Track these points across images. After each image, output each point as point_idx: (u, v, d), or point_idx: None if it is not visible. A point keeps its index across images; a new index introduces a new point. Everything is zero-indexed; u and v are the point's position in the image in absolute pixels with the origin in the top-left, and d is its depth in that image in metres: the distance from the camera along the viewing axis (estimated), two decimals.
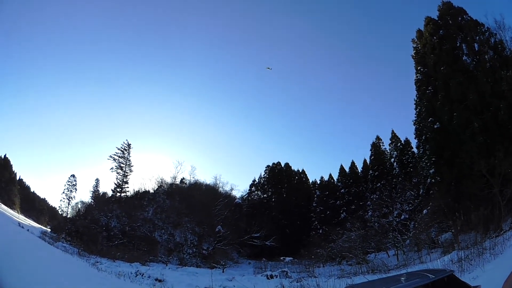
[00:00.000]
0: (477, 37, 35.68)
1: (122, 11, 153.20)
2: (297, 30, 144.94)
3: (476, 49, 35.62)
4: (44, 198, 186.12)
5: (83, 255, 39.84)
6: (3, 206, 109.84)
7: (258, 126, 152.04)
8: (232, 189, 65.15)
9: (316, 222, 54.58)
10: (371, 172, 52.98)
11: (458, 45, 36.35)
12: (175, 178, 69.51)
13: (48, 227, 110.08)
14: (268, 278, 25.50)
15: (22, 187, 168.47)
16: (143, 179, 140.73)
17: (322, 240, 44.93)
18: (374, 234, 37.05)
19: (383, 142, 54.91)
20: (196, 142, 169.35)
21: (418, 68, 38.52)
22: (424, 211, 35.14)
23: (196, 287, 21.24)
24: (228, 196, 61.84)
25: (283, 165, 65.04)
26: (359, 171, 56.95)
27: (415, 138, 39.77)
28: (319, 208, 55.38)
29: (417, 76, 38.63)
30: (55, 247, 40.94)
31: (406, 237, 33.35)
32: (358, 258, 32.38)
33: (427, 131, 35.46)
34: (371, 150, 55.07)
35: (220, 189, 65.19)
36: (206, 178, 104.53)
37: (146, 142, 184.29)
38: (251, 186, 66.00)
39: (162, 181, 68.39)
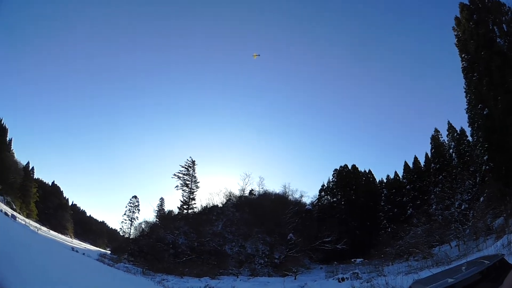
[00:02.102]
0: (503, 18, 36.76)
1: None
2: (348, 29, 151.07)
3: (505, 30, 36.49)
4: (103, 221, 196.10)
5: (147, 274, 43.90)
6: (52, 232, 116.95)
7: (325, 130, 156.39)
8: (301, 196, 67.68)
9: (384, 221, 56.16)
10: (432, 165, 53.86)
11: (491, 28, 37.25)
12: (243, 190, 72.77)
13: (108, 249, 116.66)
14: (339, 281, 26.71)
15: (76, 211, 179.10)
16: (210, 194, 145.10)
17: (390, 238, 46.20)
18: (438, 227, 37.95)
19: (441, 134, 55.58)
20: (264, 152, 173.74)
21: (462, 55, 39.74)
22: (481, 199, 36.11)
23: None
24: (298, 203, 64.44)
25: (350, 167, 66.49)
26: (422, 166, 57.70)
27: (468, 127, 40.91)
28: (386, 206, 56.90)
29: (462, 64, 39.71)
30: (115, 268, 43.70)
31: (466, 226, 34.10)
32: (424, 252, 33.31)
33: (478, 118, 36.46)
34: (431, 143, 55.91)
35: (290, 197, 67.43)
36: (275, 187, 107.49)
37: (211, 157, 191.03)
38: (320, 191, 67.54)
39: (230, 194, 71.95)
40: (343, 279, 26.84)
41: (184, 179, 74.47)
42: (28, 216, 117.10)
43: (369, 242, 49.61)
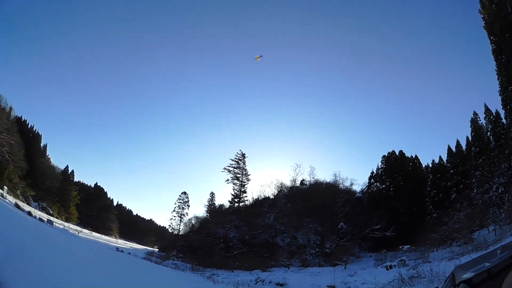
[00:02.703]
0: None
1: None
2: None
3: None
4: (151, 219, 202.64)
5: (197, 270, 45.26)
6: (95, 234, 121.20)
7: (373, 116, 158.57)
8: (352, 184, 69.08)
9: (430, 207, 56.60)
10: (473, 148, 53.79)
11: (509, 10, 37.36)
12: (294, 180, 75.29)
13: (156, 247, 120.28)
14: (387, 269, 26.85)
15: (122, 211, 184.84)
16: (262, 186, 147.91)
17: (435, 224, 46.78)
18: (479, 211, 38.73)
19: (479, 117, 55.34)
20: (314, 142, 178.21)
21: (491, 38, 39.97)
22: None
23: (318, 286, 23.72)
24: (348, 192, 65.59)
25: (397, 153, 67.56)
26: (464, 149, 57.90)
27: (502, 109, 41.28)
28: (432, 192, 57.46)
29: (492, 46, 39.91)
30: (163, 266, 46.10)
31: (502, 210, 34.74)
32: (465, 237, 33.89)
33: (509, 100, 36.97)
34: (470, 126, 55.82)
35: (340, 185, 68.84)
36: (325, 176, 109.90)
37: (262, 149, 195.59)
38: (369, 178, 69.30)
39: (282, 185, 74.06)
40: (390, 267, 27.50)
41: (235, 173, 77.73)
42: (67, 220, 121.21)
43: (416, 228, 50.06)
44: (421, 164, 67.10)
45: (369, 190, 67.86)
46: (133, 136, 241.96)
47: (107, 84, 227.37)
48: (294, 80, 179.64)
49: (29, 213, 64.61)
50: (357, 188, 68.86)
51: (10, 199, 74.60)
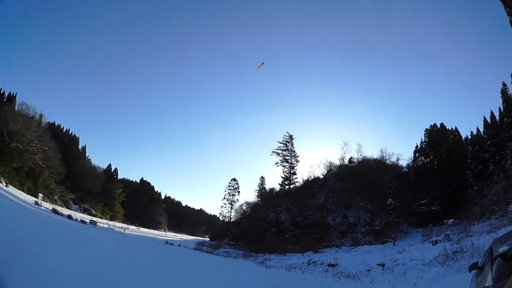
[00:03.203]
0: None
1: None
2: None
3: None
4: (200, 209, 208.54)
5: (249, 256, 46.85)
6: (142, 229, 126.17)
7: (414, 89, 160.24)
8: (398, 159, 71.03)
9: (471, 179, 57.65)
10: (505, 119, 54.64)
11: None
12: (343, 159, 77.27)
13: (206, 236, 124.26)
14: (433, 244, 26.99)
15: (171, 204, 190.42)
16: (311, 166, 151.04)
17: (476, 196, 47.92)
18: None
19: (508, 88, 56.14)
20: (359, 119, 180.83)
21: (507, 9, 41.45)
22: None
23: (368, 265, 23.76)
24: (395, 167, 67.39)
25: (439, 126, 68.56)
26: (497, 120, 58.32)
27: None
28: (472, 164, 58.43)
29: (509, 18, 41.38)
30: (215, 255, 48.15)
31: None
32: (502, 210, 34.66)
33: None
34: (501, 97, 56.70)
35: (387, 161, 71.33)
36: (372, 153, 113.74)
37: (309, 130, 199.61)
38: (414, 152, 70.13)
39: (330, 165, 75.65)
40: (436, 242, 27.66)
41: (284, 155, 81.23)
42: (112, 219, 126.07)
43: (459, 201, 51.02)
44: (461, 137, 67.78)
45: (415, 165, 68.82)
46: (178, 126, 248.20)
47: (147, 77, 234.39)
48: (336, 58, 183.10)
49: (69, 217, 68.95)
50: (403, 163, 70.34)
51: (47, 205, 79.21)
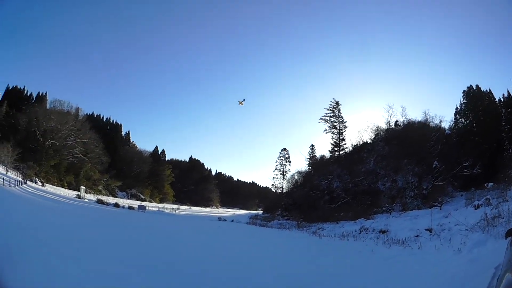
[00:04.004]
0: None
1: None
2: None
3: None
4: (253, 182, 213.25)
5: (302, 226, 48.57)
6: (194, 208, 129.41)
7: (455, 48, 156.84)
8: (440, 121, 71.42)
9: (506, 142, 58.05)
10: None
11: None
12: (389, 122, 77.63)
13: (259, 209, 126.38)
14: (475, 209, 28.15)
15: (222, 179, 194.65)
16: (359, 131, 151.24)
17: (511, 160, 49.51)
18: None
19: None
20: (403, 81, 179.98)
21: None
22: None
23: (417, 230, 25.01)
24: (438, 129, 67.65)
25: (474, 88, 68.88)
26: None
27: None
28: (506, 127, 58.96)
29: None
30: (268, 228, 50.88)
31: None
32: None
33: None
34: None
35: (431, 123, 71.46)
36: (416, 115, 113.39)
37: (355, 95, 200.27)
38: (455, 114, 70.15)
39: (378, 129, 76.63)
40: (478, 206, 28.62)
41: (331, 121, 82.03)
42: (162, 201, 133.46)
43: (496, 165, 51.48)
44: (495, 99, 67.83)
45: (456, 127, 68.83)
46: (226, 100, 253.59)
47: (186, 52, 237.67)
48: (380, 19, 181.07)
49: (115, 205, 73.49)
50: (445, 125, 71.25)
51: (90, 197, 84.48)
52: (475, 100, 66.32)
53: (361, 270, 16.18)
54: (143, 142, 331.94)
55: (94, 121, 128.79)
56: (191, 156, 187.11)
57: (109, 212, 52.62)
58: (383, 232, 29.71)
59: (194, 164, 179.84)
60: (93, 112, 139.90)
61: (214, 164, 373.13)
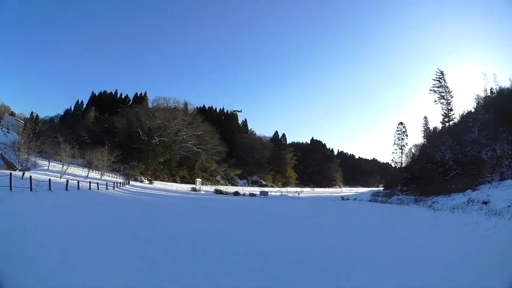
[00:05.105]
0: None
1: None
2: None
3: None
4: (374, 158, 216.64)
5: (419, 201, 48.78)
6: (317, 189, 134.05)
7: None
8: None
9: None
10: None
11: None
12: (485, 90, 75.13)
13: (380, 186, 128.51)
14: None
15: (344, 158, 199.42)
16: (463, 100, 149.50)
17: None
18: None
19: None
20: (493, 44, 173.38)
21: None
22: None
23: (510, 200, 25.85)
24: None
25: None
26: None
27: None
28: None
29: None
30: (388, 204, 51.72)
31: None
32: None
33: None
34: None
35: None
36: (505, 83, 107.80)
37: (453, 63, 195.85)
38: None
39: (478, 97, 74.91)
40: None
41: (439, 92, 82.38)
42: (285, 184, 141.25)
43: None
44: None
45: None
46: (345, 80, 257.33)
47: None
48: None
49: (235, 193, 77.33)
50: None
51: (207, 188, 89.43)
52: None
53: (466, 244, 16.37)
54: (262, 128, 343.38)
55: (206, 113, 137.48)
56: (312, 138, 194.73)
57: (227, 200, 54.23)
58: (485, 202, 29.68)
59: (316, 145, 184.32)
60: (204, 105, 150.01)
61: (336, 143, 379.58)
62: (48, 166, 62.09)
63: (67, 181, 35.10)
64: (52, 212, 19.48)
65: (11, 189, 22.41)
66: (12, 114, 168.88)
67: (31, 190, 24.99)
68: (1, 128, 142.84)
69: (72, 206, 23.92)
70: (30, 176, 27.55)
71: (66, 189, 32.28)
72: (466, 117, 72.61)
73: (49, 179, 30.84)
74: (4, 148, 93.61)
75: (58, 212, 20.09)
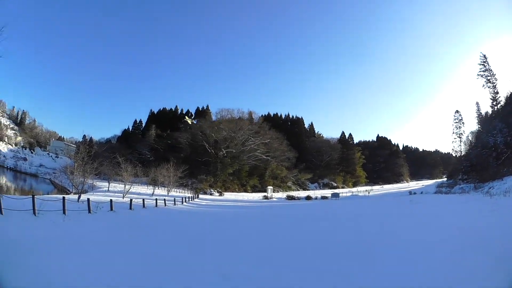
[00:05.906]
0: None
1: None
2: None
3: None
4: (436, 150, 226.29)
5: (478, 188, 48.55)
6: (386, 186, 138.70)
7: None
8: None
9: None
10: None
11: None
12: None
13: (444, 176, 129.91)
14: None
15: (409, 152, 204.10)
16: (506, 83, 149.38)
17: None
18: None
19: None
20: None
21: None
22: None
23: None
24: None
25: None
26: None
27: None
28: None
29: None
30: (451, 194, 51.45)
31: None
32: None
33: None
34: None
35: None
36: None
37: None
38: None
39: None
40: None
41: (485, 76, 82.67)
42: (355, 184, 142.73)
43: None
44: None
45: None
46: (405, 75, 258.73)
47: None
48: None
49: (307, 198, 78.34)
50: None
51: (279, 195, 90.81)
52: None
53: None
54: (328, 130, 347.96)
55: (271, 120, 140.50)
56: (378, 135, 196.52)
57: (298, 205, 55.94)
58: None
59: (382, 142, 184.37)
60: (268, 112, 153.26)
61: (400, 138, 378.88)
62: (108, 187, 62.67)
63: (131, 200, 35.10)
64: (108, 233, 19.32)
65: (64, 212, 22.06)
66: (60, 139, 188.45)
67: (89, 212, 25.21)
68: (48, 154, 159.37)
69: (132, 225, 24.10)
70: (88, 199, 27.68)
71: (130, 208, 32.43)
72: (510, 99, 73.22)
73: (110, 199, 30.83)
74: (54, 173, 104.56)
75: (114, 233, 19.77)
